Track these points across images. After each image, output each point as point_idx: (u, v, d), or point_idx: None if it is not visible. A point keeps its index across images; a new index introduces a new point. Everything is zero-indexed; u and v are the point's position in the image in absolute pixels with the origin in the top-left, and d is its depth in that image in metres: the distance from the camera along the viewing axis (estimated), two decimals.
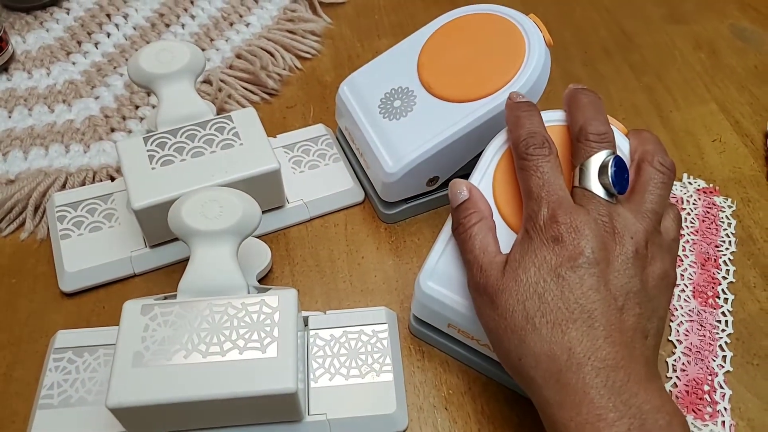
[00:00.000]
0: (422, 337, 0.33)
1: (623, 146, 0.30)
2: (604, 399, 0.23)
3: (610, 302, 0.25)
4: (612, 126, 0.30)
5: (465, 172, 0.34)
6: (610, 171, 0.27)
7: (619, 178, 0.27)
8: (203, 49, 0.46)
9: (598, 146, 0.28)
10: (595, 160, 0.27)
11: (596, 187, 0.27)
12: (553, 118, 0.32)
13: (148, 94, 0.44)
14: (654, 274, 0.27)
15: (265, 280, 0.36)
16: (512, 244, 0.28)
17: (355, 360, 0.32)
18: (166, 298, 0.30)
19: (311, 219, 0.38)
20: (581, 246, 0.26)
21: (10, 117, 0.42)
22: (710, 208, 0.40)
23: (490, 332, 0.27)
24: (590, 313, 0.25)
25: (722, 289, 0.36)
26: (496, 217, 0.30)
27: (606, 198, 0.27)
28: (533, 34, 0.35)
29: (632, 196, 0.28)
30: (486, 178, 0.31)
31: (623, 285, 0.26)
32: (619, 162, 0.27)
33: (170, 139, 0.35)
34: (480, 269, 0.27)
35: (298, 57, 0.47)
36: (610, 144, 0.28)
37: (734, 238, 0.38)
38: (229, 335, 0.28)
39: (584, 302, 0.25)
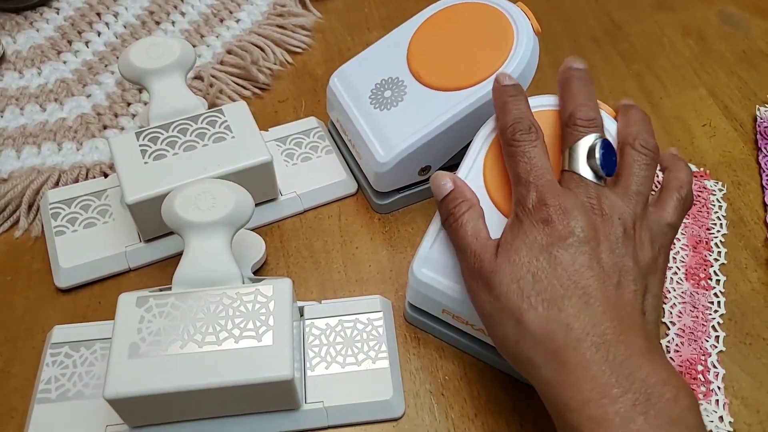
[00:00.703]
0: (418, 324, 0.34)
1: (612, 129, 0.31)
2: (606, 374, 0.23)
3: (605, 279, 0.25)
4: (601, 110, 0.30)
5: (456, 161, 0.34)
6: (597, 154, 0.27)
7: (607, 161, 0.28)
8: (194, 46, 0.46)
9: (587, 130, 0.28)
10: (583, 144, 0.28)
11: (584, 170, 0.27)
12: (545, 103, 0.32)
13: (140, 91, 0.44)
14: (644, 254, 0.27)
15: (260, 272, 0.36)
16: (491, 218, 0.28)
17: (350, 348, 0.32)
18: (161, 290, 0.30)
19: (305, 211, 0.38)
20: (571, 226, 0.26)
21: (2, 117, 0.42)
22: (701, 191, 0.40)
23: (486, 317, 0.27)
24: (585, 289, 0.25)
25: (714, 271, 0.36)
26: (488, 203, 0.30)
27: (594, 181, 0.27)
28: (521, 22, 0.35)
29: (618, 179, 0.28)
30: (476, 165, 0.31)
31: (615, 263, 0.26)
32: (606, 145, 0.28)
33: (162, 134, 0.35)
34: (473, 254, 0.27)
35: (289, 51, 0.47)
36: (599, 128, 0.29)
37: (725, 221, 0.38)
38: (225, 325, 0.28)
39: (578, 279, 0.25)
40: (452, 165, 0.36)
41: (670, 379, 0.24)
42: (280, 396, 0.29)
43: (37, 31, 0.47)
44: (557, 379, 0.24)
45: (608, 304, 0.25)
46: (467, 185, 0.30)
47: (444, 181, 0.30)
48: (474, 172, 0.31)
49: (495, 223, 0.29)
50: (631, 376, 0.23)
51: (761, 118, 0.44)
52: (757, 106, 0.44)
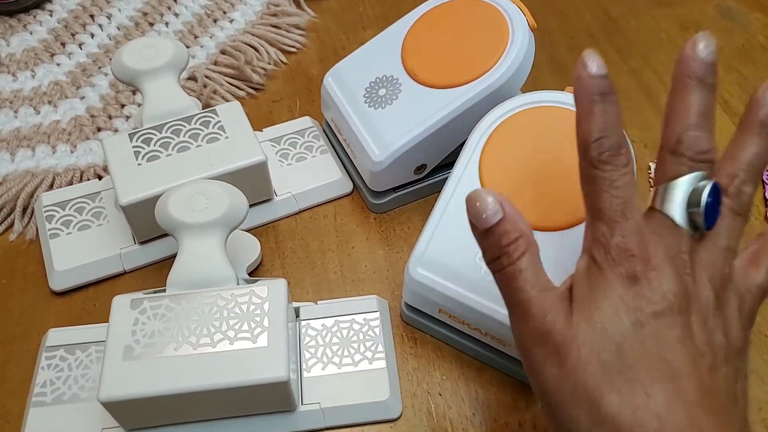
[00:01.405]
0: (415, 324, 0.33)
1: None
2: None
3: (698, 359, 0.21)
4: None
5: (452, 159, 0.34)
6: (703, 202, 0.21)
7: (712, 212, 0.22)
8: (188, 47, 0.46)
9: (694, 166, 0.22)
10: (685, 184, 0.22)
11: (681, 217, 0.22)
12: (546, 99, 0.31)
13: (134, 93, 0.44)
14: (735, 326, 0.22)
15: (256, 273, 0.36)
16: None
17: (347, 349, 0.32)
18: (155, 292, 0.30)
19: (300, 211, 0.38)
20: (663, 289, 0.21)
21: None
22: None
23: (550, 394, 0.22)
24: (677, 371, 0.20)
25: None
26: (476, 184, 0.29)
27: (690, 232, 0.22)
28: (516, 18, 0.35)
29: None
30: (471, 164, 0.31)
31: (708, 339, 0.21)
32: (715, 192, 0.22)
33: (156, 135, 0.35)
34: (539, 313, 0.22)
35: (283, 51, 0.47)
36: (709, 166, 0.22)
37: None
38: (220, 326, 0.28)
39: (670, 358, 0.20)
40: (448, 163, 0.35)
41: None
42: (275, 398, 0.29)
43: (31, 33, 0.47)
44: None
45: (703, 392, 0.20)
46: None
47: (489, 205, 0.22)
48: (469, 171, 0.31)
49: None
50: None
51: None
52: None
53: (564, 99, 0.32)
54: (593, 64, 0.22)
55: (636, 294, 0.21)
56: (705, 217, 0.22)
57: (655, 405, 0.20)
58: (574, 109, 0.23)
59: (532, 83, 0.36)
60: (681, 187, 0.22)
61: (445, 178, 0.32)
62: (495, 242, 0.22)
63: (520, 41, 0.34)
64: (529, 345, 0.22)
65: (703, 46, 0.23)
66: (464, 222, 0.23)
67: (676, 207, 0.22)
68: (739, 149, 0.23)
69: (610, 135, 0.22)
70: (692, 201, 0.22)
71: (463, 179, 0.31)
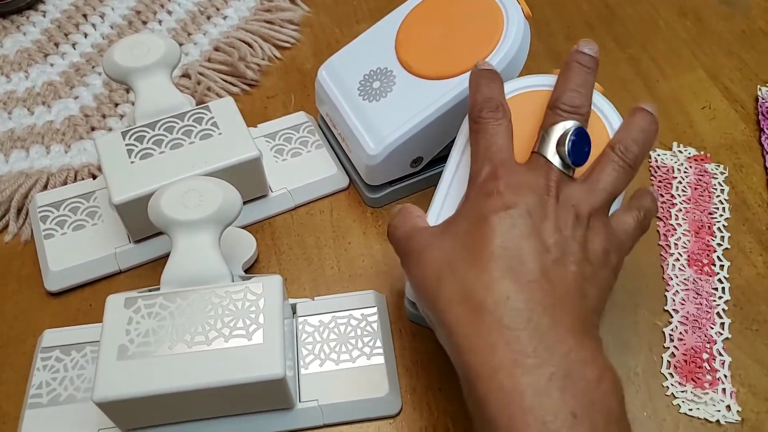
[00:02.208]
0: (417, 321, 0.33)
1: (607, 112, 0.30)
2: (524, 342, 0.21)
3: (542, 251, 0.24)
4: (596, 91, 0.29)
5: (448, 152, 0.33)
6: (568, 140, 0.26)
7: (578, 150, 0.26)
8: (181, 44, 0.46)
9: (566, 116, 0.27)
10: (558, 129, 0.27)
11: (552, 154, 0.26)
12: (539, 83, 0.31)
13: (128, 92, 0.43)
14: (595, 245, 0.25)
15: (252, 269, 0.35)
16: None
17: (345, 345, 0.31)
18: (150, 290, 0.30)
19: (296, 207, 0.38)
20: (515, 199, 0.25)
21: None
22: (702, 175, 0.39)
23: (413, 289, 0.26)
24: (518, 256, 0.23)
25: (717, 256, 0.35)
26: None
27: (560, 168, 0.26)
28: (511, 7, 0.34)
29: (588, 176, 0.27)
30: (464, 158, 0.30)
31: (558, 241, 0.24)
32: (580, 133, 0.26)
33: (148, 132, 0.35)
34: (410, 238, 0.27)
35: (277, 47, 0.46)
36: (581, 117, 0.27)
37: (728, 205, 0.38)
38: (214, 324, 0.28)
39: (511, 245, 0.24)
40: (444, 156, 0.35)
41: (596, 360, 0.22)
42: (272, 395, 0.28)
43: (24, 34, 0.47)
44: (469, 344, 0.22)
45: (541, 275, 0.23)
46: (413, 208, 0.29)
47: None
48: (464, 162, 0.30)
49: None
50: (551, 347, 0.21)
51: (763, 99, 0.42)
52: (759, 86, 0.43)
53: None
54: (484, 64, 0.31)
55: (491, 203, 0.25)
56: (569, 152, 0.26)
57: (488, 278, 0.23)
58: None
59: (529, 72, 0.35)
60: (554, 132, 0.27)
61: (441, 171, 0.32)
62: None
63: (514, 31, 0.34)
64: (402, 265, 0.27)
65: (587, 45, 0.29)
66: None
67: (548, 146, 0.26)
68: (631, 123, 0.28)
69: (491, 100, 0.28)
70: (561, 141, 0.26)
71: (457, 175, 0.30)
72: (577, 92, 0.28)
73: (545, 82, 0.31)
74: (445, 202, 0.30)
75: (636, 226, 0.28)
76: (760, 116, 0.42)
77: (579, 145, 0.26)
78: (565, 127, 0.27)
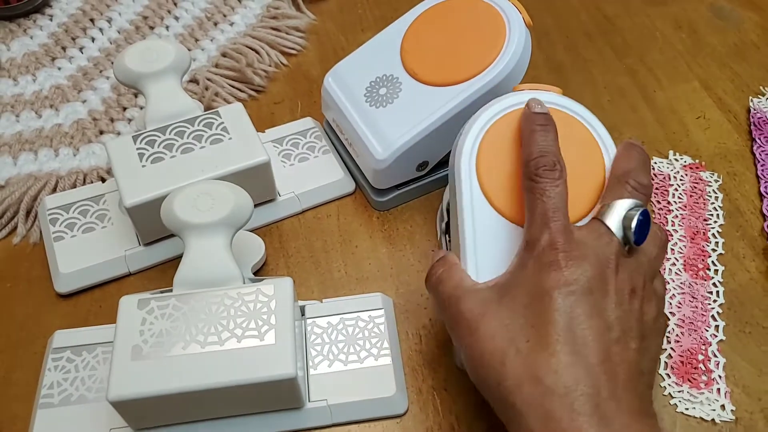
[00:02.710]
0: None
1: (577, 109, 0.30)
2: (593, 428, 0.22)
3: (604, 332, 0.24)
4: (549, 90, 0.30)
5: None
6: (636, 220, 0.26)
7: (642, 230, 0.26)
8: (189, 50, 0.46)
9: (635, 194, 0.27)
10: (625, 204, 0.27)
11: (617, 228, 0.26)
12: (547, 101, 0.30)
13: (136, 96, 0.44)
14: (649, 314, 0.26)
15: (260, 272, 0.36)
16: (501, 230, 0.27)
17: (353, 346, 0.32)
18: (162, 292, 0.30)
19: (303, 211, 0.39)
20: (577, 274, 0.24)
21: None
22: (697, 183, 0.40)
23: (468, 359, 0.26)
24: (583, 339, 0.24)
25: (712, 261, 0.36)
26: (484, 203, 0.29)
27: (620, 242, 0.26)
28: (513, 16, 0.35)
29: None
30: (475, 198, 0.29)
31: (619, 318, 0.25)
32: (646, 214, 0.27)
33: (159, 137, 0.35)
34: (462, 303, 0.26)
35: (284, 53, 0.47)
36: (647, 198, 0.28)
37: (722, 211, 0.39)
38: (227, 325, 0.28)
39: (575, 327, 0.24)
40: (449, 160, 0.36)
41: None
42: (283, 395, 0.29)
43: (31, 38, 0.47)
44: (540, 427, 0.22)
45: (605, 358, 0.23)
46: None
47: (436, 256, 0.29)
48: (477, 209, 0.29)
49: (493, 224, 0.28)
50: None
51: (754, 110, 0.44)
52: (750, 97, 0.45)
53: (555, 100, 0.31)
54: (536, 106, 0.29)
55: (552, 277, 0.24)
56: (635, 231, 0.26)
57: (556, 363, 0.23)
58: (563, 110, 0.29)
59: (530, 81, 0.36)
60: (622, 206, 0.27)
61: (446, 176, 0.32)
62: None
63: (517, 38, 0.35)
64: (448, 324, 0.27)
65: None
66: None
67: (614, 218, 0.27)
68: (629, 158, 0.29)
69: (547, 155, 0.27)
70: (627, 217, 0.26)
71: (475, 215, 0.29)
72: (646, 175, 0.28)
73: (548, 99, 0.30)
74: (476, 250, 0.28)
75: (663, 285, 0.29)
76: (752, 126, 0.43)
77: (644, 226, 0.26)
78: (633, 204, 0.27)
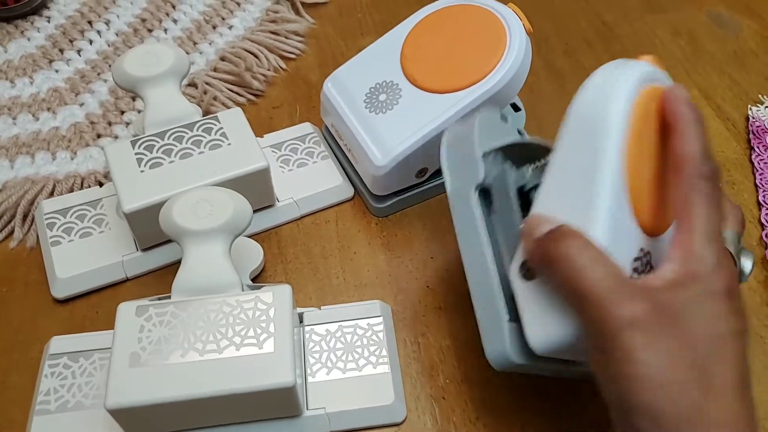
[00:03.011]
0: (519, 370, 0.28)
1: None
2: None
3: (747, 373, 0.23)
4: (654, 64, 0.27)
5: None
6: (747, 270, 0.27)
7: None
8: (187, 53, 0.46)
9: (717, 209, 0.24)
10: (729, 235, 0.27)
11: (747, 265, 0.27)
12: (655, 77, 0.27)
13: (134, 99, 0.44)
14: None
15: (259, 279, 0.36)
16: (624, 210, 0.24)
17: (351, 353, 0.32)
18: (160, 299, 0.30)
19: (302, 217, 0.38)
20: (742, 314, 0.23)
21: None
22: None
23: (607, 379, 0.23)
24: (745, 380, 0.22)
25: None
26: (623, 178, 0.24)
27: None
28: (513, 23, 0.35)
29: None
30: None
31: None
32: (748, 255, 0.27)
33: (158, 142, 0.35)
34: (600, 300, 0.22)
35: (283, 57, 0.47)
36: (720, 200, 0.25)
37: None
38: (226, 333, 0.28)
39: (743, 370, 0.22)
40: None
41: None
42: (282, 403, 0.29)
43: (29, 40, 0.47)
44: None
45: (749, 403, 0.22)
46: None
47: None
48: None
49: None
50: None
51: (753, 118, 0.44)
52: (749, 105, 0.45)
53: None
54: (681, 91, 0.25)
55: (729, 309, 0.23)
56: (740, 276, 0.27)
57: (732, 415, 0.21)
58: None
59: (528, 89, 0.36)
60: (731, 241, 0.27)
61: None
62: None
63: (517, 45, 0.35)
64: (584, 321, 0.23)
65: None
66: None
67: (745, 265, 0.27)
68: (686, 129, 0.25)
69: (711, 156, 0.24)
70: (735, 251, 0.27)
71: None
72: (710, 156, 0.25)
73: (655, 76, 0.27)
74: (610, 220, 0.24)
75: None
76: (751, 135, 0.43)
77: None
78: (736, 237, 0.27)
